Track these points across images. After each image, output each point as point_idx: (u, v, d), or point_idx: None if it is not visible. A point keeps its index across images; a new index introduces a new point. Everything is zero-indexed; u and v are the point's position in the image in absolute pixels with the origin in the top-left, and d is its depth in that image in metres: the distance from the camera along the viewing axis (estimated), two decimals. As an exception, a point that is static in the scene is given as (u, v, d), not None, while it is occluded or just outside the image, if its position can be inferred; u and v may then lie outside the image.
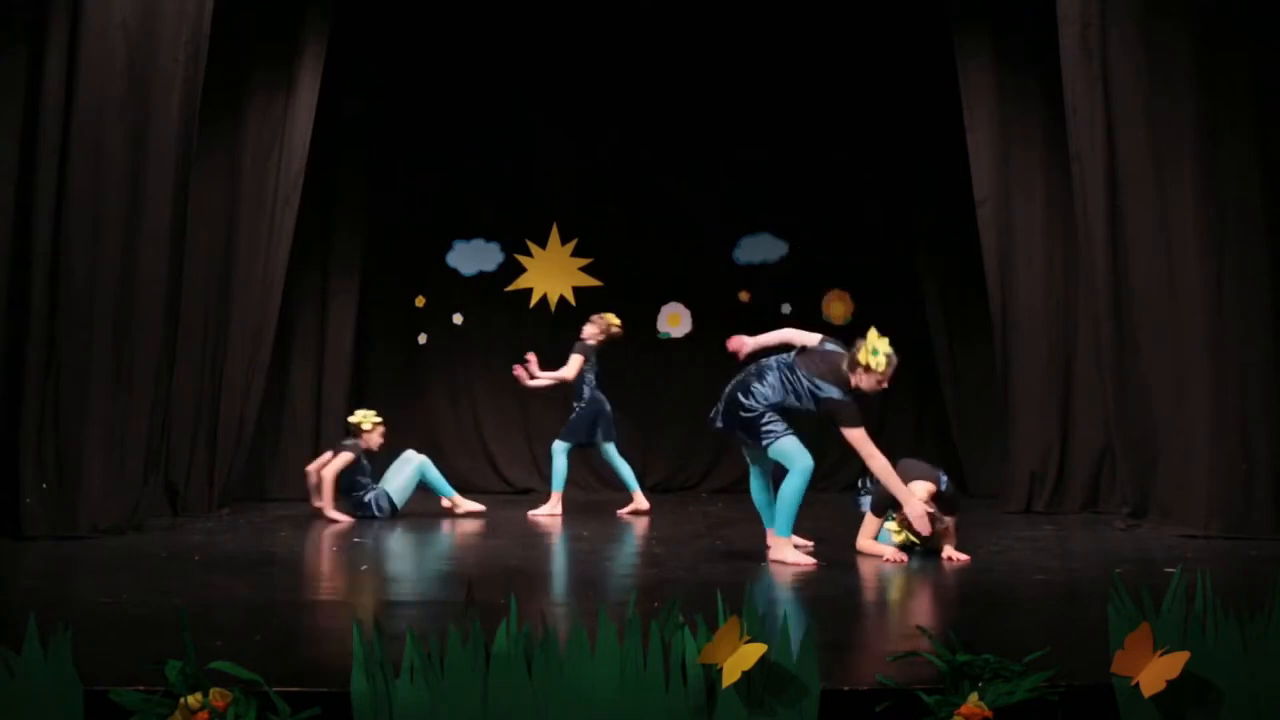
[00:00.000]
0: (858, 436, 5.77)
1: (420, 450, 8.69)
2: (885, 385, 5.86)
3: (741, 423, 5.89)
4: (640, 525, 7.76)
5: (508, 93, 10.51)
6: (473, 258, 10.75)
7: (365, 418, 8.44)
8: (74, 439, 6.80)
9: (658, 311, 10.63)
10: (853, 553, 6.10)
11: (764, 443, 5.85)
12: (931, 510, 5.80)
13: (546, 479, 10.73)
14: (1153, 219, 7.09)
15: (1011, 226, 8.53)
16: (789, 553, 5.86)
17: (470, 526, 7.85)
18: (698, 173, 10.52)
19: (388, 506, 8.21)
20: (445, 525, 7.88)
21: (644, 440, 10.31)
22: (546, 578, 5.49)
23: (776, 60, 10.32)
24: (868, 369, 5.75)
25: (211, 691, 2.95)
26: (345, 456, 8.19)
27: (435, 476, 8.46)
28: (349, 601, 4.96)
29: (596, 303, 10.51)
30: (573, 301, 10.62)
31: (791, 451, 5.83)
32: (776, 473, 6.04)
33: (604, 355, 8.81)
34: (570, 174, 10.59)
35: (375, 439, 8.45)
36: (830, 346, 5.97)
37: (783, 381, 5.85)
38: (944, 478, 6.13)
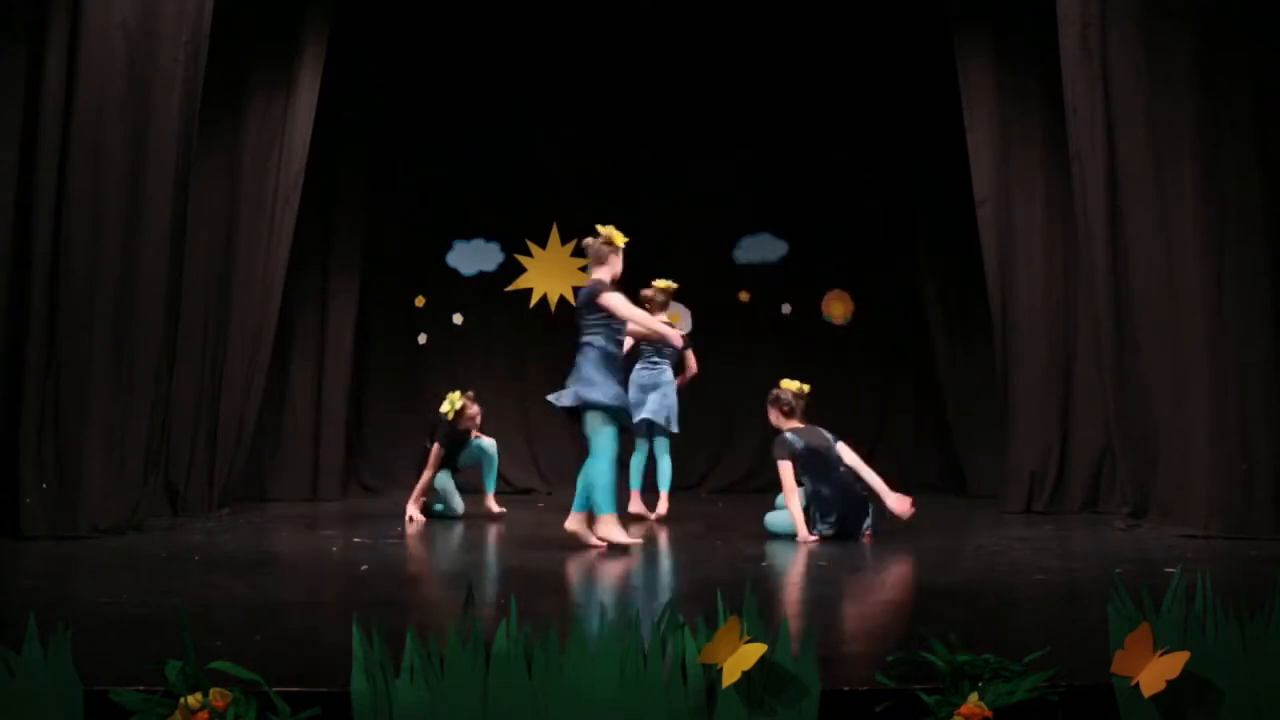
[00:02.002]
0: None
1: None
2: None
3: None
4: (640, 526, 7.75)
5: (508, 93, 10.51)
6: (473, 258, 10.76)
7: (451, 403, 8.23)
8: (74, 439, 6.80)
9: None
10: (852, 553, 6.12)
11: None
12: None
13: (546, 479, 10.69)
14: (1153, 219, 7.09)
15: (1011, 226, 8.53)
16: (616, 530, 6.42)
17: (471, 526, 7.84)
18: (698, 173, 10.52)
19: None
20: (444, 526, 7.87)
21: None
22: (546, 578, 5.48)
23: (776, 60, 10.32)
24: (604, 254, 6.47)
25: (211, 691, 2.95)
26: (435, 455, 8.13)
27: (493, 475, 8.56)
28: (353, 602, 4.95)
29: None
30: (573, 301, 10.61)
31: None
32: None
33: None
34: (570, 174, 10.59)
35: (472, 419, 8.36)
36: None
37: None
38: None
